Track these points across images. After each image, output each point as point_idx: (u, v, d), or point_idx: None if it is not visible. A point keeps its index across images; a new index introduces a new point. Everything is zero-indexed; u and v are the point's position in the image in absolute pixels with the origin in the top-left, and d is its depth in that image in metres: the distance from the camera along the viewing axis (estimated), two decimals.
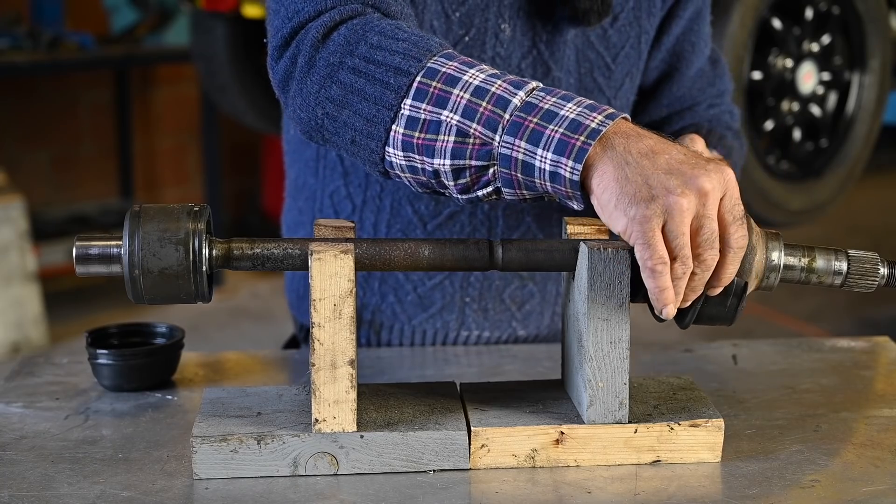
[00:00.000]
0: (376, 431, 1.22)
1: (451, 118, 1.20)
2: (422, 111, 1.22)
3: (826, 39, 4.25)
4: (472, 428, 1.23)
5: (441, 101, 1.21)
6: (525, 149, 1.17)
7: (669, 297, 1.15)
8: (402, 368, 1.59)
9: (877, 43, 4.36)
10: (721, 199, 1.15)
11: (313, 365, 1.20)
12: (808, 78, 4.23)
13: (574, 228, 1.27)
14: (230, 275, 5.17)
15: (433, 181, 1.25)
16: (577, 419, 1.25)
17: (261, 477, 1.21)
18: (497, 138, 1.18)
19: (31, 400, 1.45)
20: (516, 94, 1.19)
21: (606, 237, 1.26)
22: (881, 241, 5.82)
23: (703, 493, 1.19)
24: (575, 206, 1.20)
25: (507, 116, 1.18)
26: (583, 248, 1.23)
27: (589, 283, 1.21)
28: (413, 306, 1.66)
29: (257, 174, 5.76)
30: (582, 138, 1.15)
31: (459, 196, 1.25)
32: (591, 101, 1.19)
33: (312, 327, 1.19)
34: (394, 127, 1.24)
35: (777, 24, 4.09)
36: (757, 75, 4.06)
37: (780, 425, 1.36)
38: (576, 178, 1.16)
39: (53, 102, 5.39)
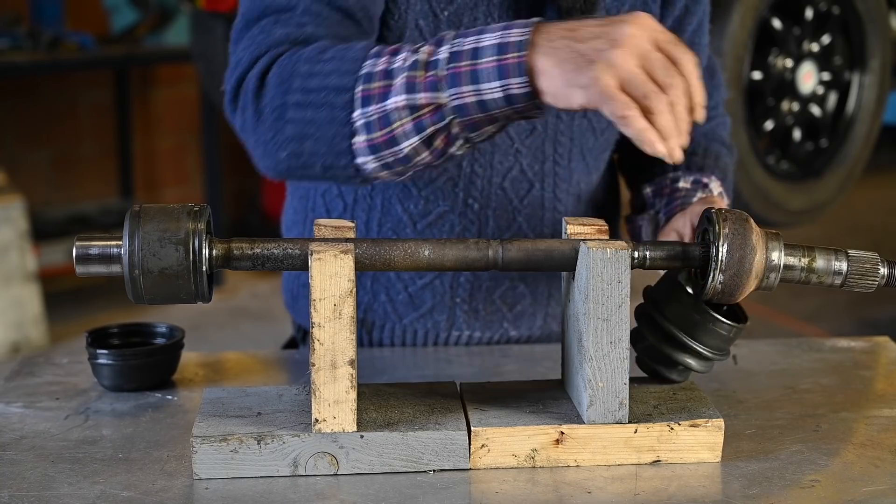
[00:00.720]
0: (376, 431, 1.22)
1: (398, 102, 1.27)
2: (372, 113, 1.29)
3: (826, 39, 4.25)
4: (472, 428, 1.23)
5: (384, 96, 1.28)
6: (472, 90, 1.24)
7: (653, 135, 1.18)
8: (402, 368, 1.59)
9: (877, 43, 4.36)
10: (653, 38, 1.20)
11: (313, 365, 1.20)
12: (808, 78, 4.23)
13: (574, 228, 1.27)
14: (230, 275, 5.17)
15: (409, 165, 1.31)
16: (577, 419, 1.25)
17: (261, 477, 1.21)
18: (444, 95, 1.25)
19: (31, 400, 1.45)
20: (440, 52, 1.26)
21: (606, 237, 1.26)
22: (881, 241, 5.82)
23: (703, 493, 1.19)
24: (538, 116, 1.28)
25: (442, 73, 1.25)
26: (583, 248, 1.23)
27: (589, 283, 1.21)
28: (404, 306, 1.66)
29: (257, 174, 5.75)
30: (513, 55, 1.22)
31: (438, 160, 1.32)
32: (503, 24, 1.26)
33: (312, 327, 1.19)
34: (355, 139, 1.31)
35: (777, 24, 4.09)
36: (757, 75, 4.06)
37: (780, 425, 1.36)
38: (526, 89, 1.22)
39: (53, 102, 5.38)
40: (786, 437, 1.33)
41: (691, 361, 1.34)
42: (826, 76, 4.28)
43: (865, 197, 6.30)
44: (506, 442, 1.23)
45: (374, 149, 1.30)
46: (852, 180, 4.51)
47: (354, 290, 1.19)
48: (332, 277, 1.19)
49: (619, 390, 1.23)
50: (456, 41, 1.26)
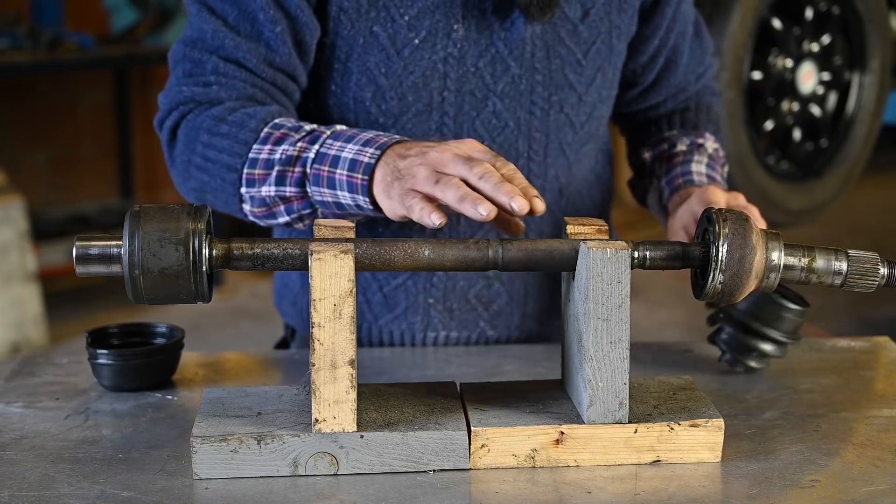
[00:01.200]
0: (376, 431, 1.22)
1: (270, 191, 1.44)
2: (254, 193, 1.45)
3: (826, 39, 4.25)
4: (472, 428, 1.23)
5: (262, 182, 1.44)
6: (330, 193, 1.39)
7: (435, 217, 1.25)
8: (402, 368, 1.59)
9: (877, 43, 4.36)
10: (467, 153, 1.29)
11: (313, 365, 1.20)
12: (808, 78, 4.23)
13: (574, 228, 1.27)
14: (230, 275, 5.17)
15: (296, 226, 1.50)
16: (577, 419, 1.25)
17: (261, 477, 1.21)
18: (308, 191, 1.41)
19: (31, 400, 1.45)
20: (310, 150, 1.40)
21: (606, 237, 1.26)
22: (881, 241, 5.82)
23: (703, 493, 1.19)
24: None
25: (308, 171, 1.40)
26: (583, 248, 1.23)
27: (589, 283, 1.21)
28: (379, 306, 1.66)
29: None
30: (359, 175, 1.36)
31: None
32: (371, 136, 1.38)
33: (312, 327, 1.19)
34: (243, 206, 1.48)
35: (777, 24, 4.09)
36: (757, 75, 4.06)
37: (780, 425, 1.36)
38: (370, 206, 1.37)
39: (53, 102, 5.38)
40: (786, 437, 1.33)
41: (768, 347, 1.50)
42: (826, 76, 4.29)
43: (865, 197, 6.30)
44: (506, 442, 1.23)
45: (258, 217, 1.49)
46: (852, 180, 4.51)
47: (354, 290, 1.19)
48: (332, 277, 1.19)
49: (619, 390, 1.23)
50: (325, 143, 1.40)
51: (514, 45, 1.59)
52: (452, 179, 1.25)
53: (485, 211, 1.21)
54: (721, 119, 1.87)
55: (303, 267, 1.22)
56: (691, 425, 1.25)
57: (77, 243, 1.22)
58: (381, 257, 1.24)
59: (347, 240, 1.23)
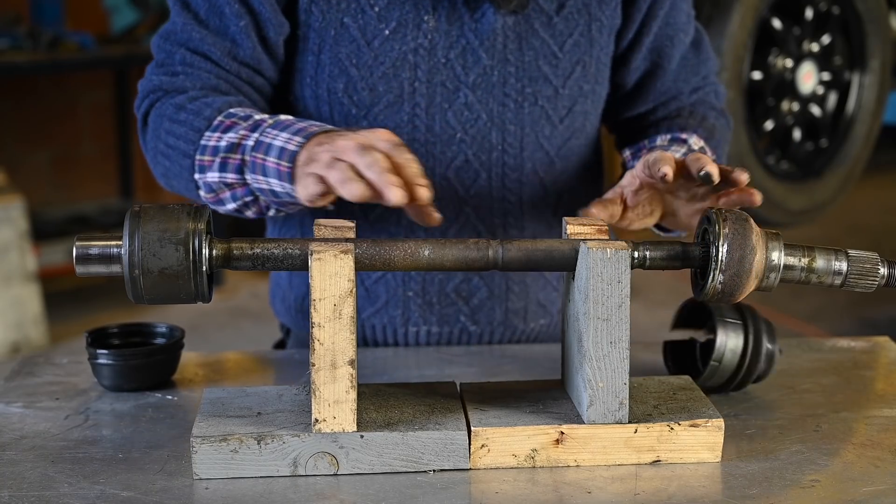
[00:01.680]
0: (376, 431, 1.22)
1: (214, 177, 1.46)
2: (205, 179, 1.48)
3: (826, 39, 4.25)
4: (472, 428, 1.23)
5: (209, 168, 1.46)
6: (264, 180, 1.40)
7: (316, 198, 1.31)
8: (402, 368, 1.59)
9: (877, 43, 4.36)
10: (368, 141, 1.30)
11: (313, 365, 1.20)
12: (808, 78, 4.22)
13: (574, 228, 1.27)
14: (230, 275, 5.17)
15: (245, 215, 1.52)
16: (577, 419, 1.25)
17: (261, 477, 1.21)
18: (247, 177, 1.43)
19: (31, 400, 1.45)
20: (250, 138, 1.42)
21: (606, 237, 1.27)
22: (881, 241, 5.82)
23: (703, 493, 1.19)
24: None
25: (247, 158, 1.42)
26: (583, 248, 1.23)
27: (589, 283, 1.21)
28: (362, 300, 1.66)
29: None
30: (285, 163, 1.36)
31: (271, 214, 1.51)
32: (304, 125, 1.39)
33: (312, 327, 1.19)
34: (199, 192, 1.50)
35: (777, 24, 4.09)
36: (757, 75, 4.06)
37: (780, 425, 1.36)
38: (294, 196, 1.37)
39: (53, 102, 5.38)
40: (786, 437, 1.33)
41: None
42: (826, 76, 4.28)
43: (865, 197, 6.30)
44: (506, 442, 1.23)
45: (211, 203, 1.50)
46: (852, 180, 4.50)
47: (354, 290, 1.19)
48: (332, 277, 1.19)
49: (619, 390, 1.23)
50: (265, 131, 1.41)
51: (485, 35, 1.58)
52: (342, 164, 1.27)
53: (357, 191, 1.24)
54: (724, 135, 1.78)
55: (303, 267, 1.22)
56: (691, 425, 1.25)
57: (77, 243, 1.22)
58: (381, 257, 1.24)
59: (347, 240, 1.23)
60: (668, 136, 1.69)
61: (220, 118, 1.48)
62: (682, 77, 1.75)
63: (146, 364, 1.47)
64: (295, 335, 1.82)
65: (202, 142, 1.47)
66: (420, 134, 1.60)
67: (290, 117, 1.44)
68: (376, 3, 1.56)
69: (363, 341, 1.69)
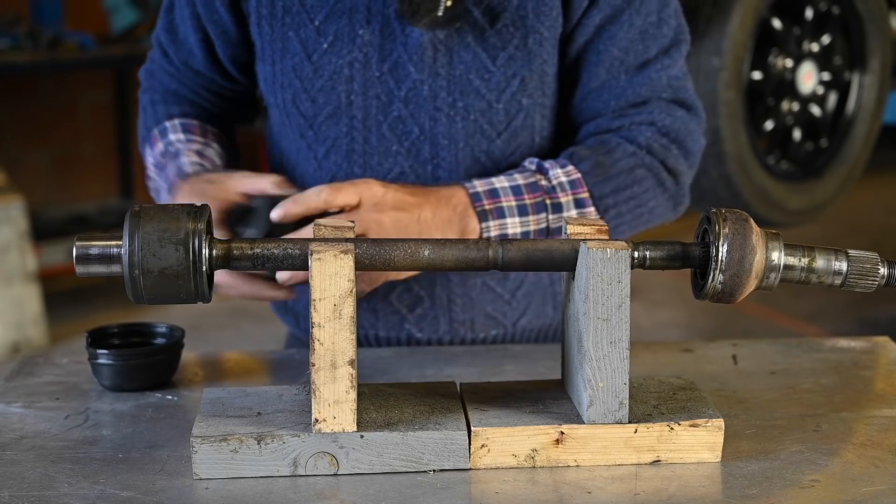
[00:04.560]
0: (376, 431, 1.22)
1: (150, 169, 1.73)
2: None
3: (826, 39, 4.25)
4: (472, 428, 1.23)
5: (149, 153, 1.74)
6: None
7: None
8: (402, 368, 1.59)
9: (877, 43, 4.36)
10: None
11: (313, 365, 1.20)
12: (808, 78, 4.23)
13: (574, 228, 1.27)
14: None
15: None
16: (577, 419, 1.25)
17: (261, 477, 1.21)
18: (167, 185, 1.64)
19: (31, 400, 1.45)
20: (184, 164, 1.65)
21: (606, 237, 1.26)
22: (881, 241, 5.82)
23: (703, 493, 1.19)
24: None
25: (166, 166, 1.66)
26: (583, 248, 1.23)
27: (589, 283, 1.21)
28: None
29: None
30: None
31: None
32: (178, 165, 1.64)
33: (312, 327, 1.19)
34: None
35: (777, 24, 4.09)
36: (757, 75, 4.06)
37: (780, 425, 1.36)
38: None
39: (53, 102, 5.39)
40: (786, 437, 1.33)
41: None
42: (826, 76, 4.28)
43: (865, 197, 6.30)
44: (506, 442, 1.23)
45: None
46: (852, 180, 4.51)
47: (354, 290, 1.19)
48: (332, 277, 1.19)
49: (619, 390, 1.23)
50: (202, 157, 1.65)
51: (414, 50, 1.57)
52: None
53: None
54: (631, 176, 1.58)
55: (303, 267, 1.22)
56: (691, 425, 1.25)
57: (77, 243, 1.22)
58: (381, 257, 1.24)
59: (347, 240, 1.23)
60: (535, 164, 1.59)
61: (154, 131, 1.74)
62: (604, 98, 1.63)
63: (146, 364, 1.47)
64: (290, 334, 1.82)
65: (149, 138, 1.75)
66: (358, 146, 1.62)
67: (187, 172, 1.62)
68: (316, 17, 1.59)
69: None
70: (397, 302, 1.67)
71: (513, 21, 1.57)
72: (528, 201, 1.54)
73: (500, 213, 1.52)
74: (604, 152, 1.59)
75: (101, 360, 1.46)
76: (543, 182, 1.56)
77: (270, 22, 1.61)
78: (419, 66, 1.58)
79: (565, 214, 1.55)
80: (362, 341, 1.69)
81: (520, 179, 1.55)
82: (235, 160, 1.80)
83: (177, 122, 1.73)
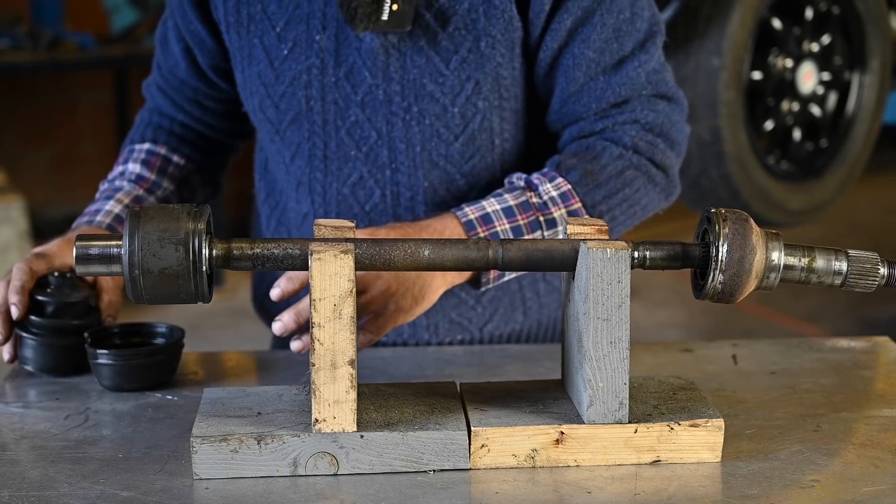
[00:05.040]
0: (376, 431, 1.22)
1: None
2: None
3: (826, 39, 4.25)
4: (472, 428, 1.23)
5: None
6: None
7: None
8: (402, 368, 1.59)
9: (877, 43, 4.36)
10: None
11: (313, 365, 1.20)
12: (808, 78, 4.23)
13: (574, 228, 1.27)
14: (230, 275, 5.17)
15: None
16: (577, 419, 1.25)
17: (261, 477, 1.21)
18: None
19: (31, 400, 1.45)
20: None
21: (606, 237, 1.26)
22: (881, 241, 5.82)
23: (703, 493, 1.19)
24: None
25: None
26: (583, 248, 1.23)
27: (589, 283, 1.21)
28: (276, 305, 1.66)
29: None
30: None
31: None
32: (95, 209, 1.71)
33: (312, 327, 1.19)
34: None
35: (777, 24, 4.09)
36: (757, 75, 4.06)
37: (780, 425, 1.36)
38: None
39: (53, 102, 5.39)
40: (786, 437, 1.33)
41: None
42: (826, 76, 4.29)
43: (865, 197, 6.30)
44: (506, 442, 1.23)
45: None
46: (852, 180, 4.51)
47: (354, 290, 1.19)
48: (332, 277, 1.19)
49: (619, 390, 1.23)
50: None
51: (367, 55, 1.58)
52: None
53: None
54: (623, 180, 1.57)
55: (303, 267, 1.22)
56: (691, 425, 1.25)
57: (77, 243, 1.22)
58: (381, 257, 1.24)
59: (347, 240, 1.23)
60: (524, 178, 1.56)
61: (123, 154, 1.83)
62: (584, 101, 1.60)
63: (146, 364, 1.47)
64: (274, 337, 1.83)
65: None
66: (319, 150, 1.63)
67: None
68: (277, 24, 1.61)
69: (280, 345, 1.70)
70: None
71: (464, 24, 1.55)
72: (521, 222, 1.52)
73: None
74: (590, 159, 1.57)
75: (101, 360, 1.46)
76: (534, 199, 1.54)
77: (237, 30, 1.64)
78: (373, 71, 1.58)
79: (560, 228, 1.54)
80: None
81: (510, 199, 1.53)
82: (211, 184, 1.88)
83: (146, 146, 1.80)
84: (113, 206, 1.69)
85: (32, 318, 1.50)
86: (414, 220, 1.61)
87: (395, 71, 1.58)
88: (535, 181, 1.55)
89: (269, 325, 1.77)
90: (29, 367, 1.51)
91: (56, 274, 1.53)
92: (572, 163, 1.56)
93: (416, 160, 1.61)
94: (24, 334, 1.50)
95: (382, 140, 1.61)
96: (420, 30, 1.55)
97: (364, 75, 1.59)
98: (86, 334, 1.50)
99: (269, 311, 1.79)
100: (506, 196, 1.54)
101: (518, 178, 1.57)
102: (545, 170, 1.58)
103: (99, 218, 1.67)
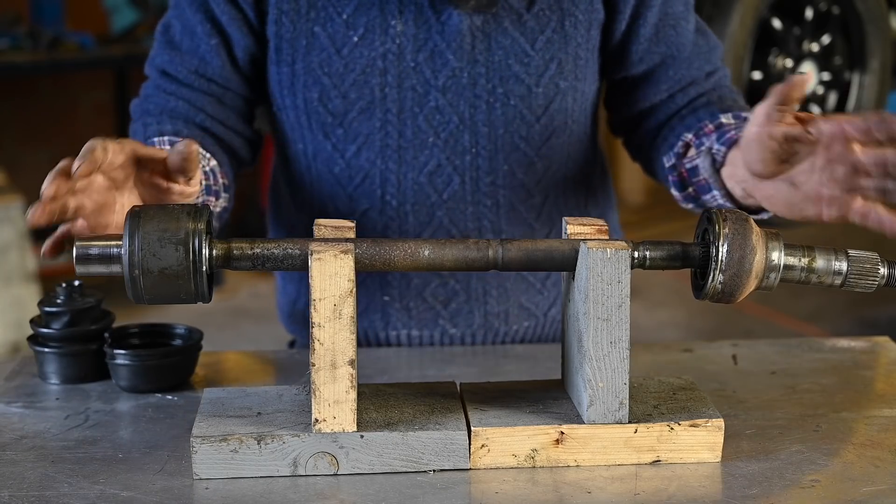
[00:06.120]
0: (376, 431, 1.22)
1: None
2: None
3: (826, 39, 4.25)
4: (472, 428, 1.23)
5: None
6: None
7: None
8: (402, 368, 1.59)
9: (877, 43, 4.36)
10: None
11: (313, 365, 1.20)
12: (808, 78, 4.22)
13: (574, 228, 1.27)
14: (230, 275, 5.17)
15: None
16: (577, 419, 1.25)
17: (261, 477, 1.21)
18: None
19: (31, 400, 1.45)
20: None
21: (606, 237, 1.26)
22: (881, 241, 5.81)
23: (703, 493, 1.19)
24: None
25: None
26: (583, 248, 1.23)
27: (589, 283, 1.21)
28: None
29: (257, 174, 5.77)
30: None
31: None
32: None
33: (312, 327, 1.19)
34: None
35: (777, 24, 4.09)
36: (757, 75, 4.06)
37: (780, 425, 1.36)
38: None
39: (53, 102, 5.39)
40: (786, 437, 1.33)
41: None
42: (826, 76, 4.29)
43: None
44: (506, 442, 1.23)
45: None
46: None
47: (354, 290, 1.19)
48: (332, 277, 1.19)
49: (619, 390, 1.23)
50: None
51: (452, 37, 1.57)
52: None
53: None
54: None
55: (303, 267, 1.22)
56: (691, 425, 1.25)
57: (77, 243, 1.22)
58: (381, 257, 1.24)
59: (347, 240, 1.23)
60: (731, 114, 1.59)
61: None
62: (696, 64, 1.69)
63: (163, 365, 1.46)
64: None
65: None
66: (392, 140, 1.61)
67: None
68: (344, 10, 1.57)
69: None
70: (431, 298, 1.67)
71: (548, 5, 1.60)
72: None
73: None
74: (742, 104, 1.67)
75: (118, 361, 1.46)
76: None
77: (292, 18, 1.59)
78: (458, 54, 1.58)
79: None
80: (394, 342, 1.69)
81: None
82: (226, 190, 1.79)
83: (166, 138, 1.58)
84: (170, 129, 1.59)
85: (49, 331, 1.49)
86: (493, 205, 1.63)
87: (480, 53, 1.59)
88: (744, 114, 1.58)
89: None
90: (54, 382, 1.50)
91: (63, 284, 1.52)
92: (734, 104, 1.65)
93: (497, 143, 1.62)
94: (46, 350, 1.49)
95: (464, 125, 1.61)
96: (504, 11, 1.58)
97: (447, 58, 1.58)
98: (106, 335, 1.50)
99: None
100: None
101: (725, 118, 1.58)
102: (725, 114, 1.61)
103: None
